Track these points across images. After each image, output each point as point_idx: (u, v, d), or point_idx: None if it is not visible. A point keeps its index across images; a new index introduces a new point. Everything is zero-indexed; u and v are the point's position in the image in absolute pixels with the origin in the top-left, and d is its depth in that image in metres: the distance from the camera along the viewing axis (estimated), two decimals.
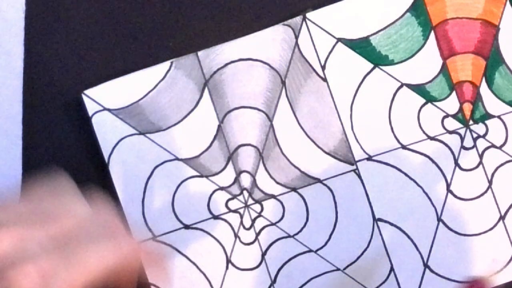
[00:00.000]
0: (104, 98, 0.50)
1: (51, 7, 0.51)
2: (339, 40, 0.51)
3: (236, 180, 0.51)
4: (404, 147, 0.51)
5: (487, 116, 0.51)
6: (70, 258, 0.36)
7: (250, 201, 0.51)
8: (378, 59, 0.51)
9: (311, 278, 0.51)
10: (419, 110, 0.51)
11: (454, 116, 0.51)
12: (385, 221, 0.51)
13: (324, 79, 0.51)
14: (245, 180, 0.51)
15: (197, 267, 0.50)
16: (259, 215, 0.51)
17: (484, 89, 0.51)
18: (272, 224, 0.51)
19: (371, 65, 0.51)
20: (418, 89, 0.51)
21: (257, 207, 0.51)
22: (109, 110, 0.50)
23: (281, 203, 0.51)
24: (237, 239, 0.51)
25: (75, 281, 0.36)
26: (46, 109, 0.49)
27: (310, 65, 0.51)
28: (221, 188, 0.51)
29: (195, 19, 0.51)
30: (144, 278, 0.50)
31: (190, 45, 0.51)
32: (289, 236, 0.51)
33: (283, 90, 0.51)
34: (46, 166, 0.50)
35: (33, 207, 0.38)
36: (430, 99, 0.51)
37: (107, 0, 0.51)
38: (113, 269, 0.37)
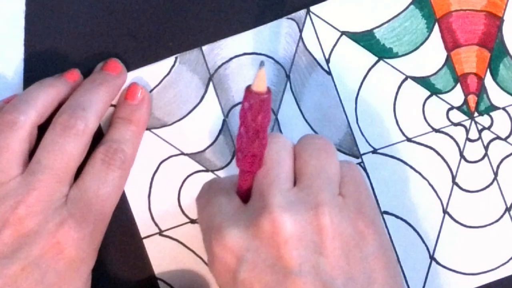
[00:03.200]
0: None
1: (51, 7, 0.51)
2: (343, 33, 0.51)
3: None
4: (409, 139, 0.51)
5: (492, 108, 0.51)
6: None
7: None
8: (382, 52, 0.51)
9: None
10: (424, 103, 0.51)
11: (459, 108, 0.51)
12: (391, 214, 0.51)
13: (329, 73, 0.51)
14: None
15: (204, 261, 0.51)
16: None
17: (488, 81, 0.51)
18: None
19: (376, 58, 0.51)
20: (423, 81, 0.51)
21: None
22: (114, 106, 0.50)
23: None
24: None
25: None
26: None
27: (315, 59, 0.51)
28: None
29: (200, 13, 0.51)
30: (152, 274, 0.50)
31: (195, 40, 0.51)
32: None
33: (288, 84, 0.51)
34: None
35: None
36: (434, 91, 0.51)
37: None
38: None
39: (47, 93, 0.48)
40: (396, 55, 0.51)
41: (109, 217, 0.48)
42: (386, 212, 0.51)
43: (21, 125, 0.46)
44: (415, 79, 0.51)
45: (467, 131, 0.51)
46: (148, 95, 0.50)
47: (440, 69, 0.51)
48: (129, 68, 0.51)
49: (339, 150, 0.51)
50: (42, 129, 0.48)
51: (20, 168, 0.46)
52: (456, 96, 0.51)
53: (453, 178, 0.51)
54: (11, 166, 0.46)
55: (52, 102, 0.48)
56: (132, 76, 0.51)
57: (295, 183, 0.43)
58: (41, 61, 0.51)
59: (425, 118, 0.51)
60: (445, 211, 0.51)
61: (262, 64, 0.40)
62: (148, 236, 0.51)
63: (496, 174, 0.51)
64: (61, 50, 0.51)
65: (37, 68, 0.51)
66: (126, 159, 0.48)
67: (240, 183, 0.44)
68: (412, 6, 0.51)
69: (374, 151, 0.51)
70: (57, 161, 0.46)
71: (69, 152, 0.46)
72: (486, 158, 0.51)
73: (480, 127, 0.51)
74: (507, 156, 0.51)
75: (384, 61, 0.51)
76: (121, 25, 0.51)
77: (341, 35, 0.51)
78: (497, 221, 0.51)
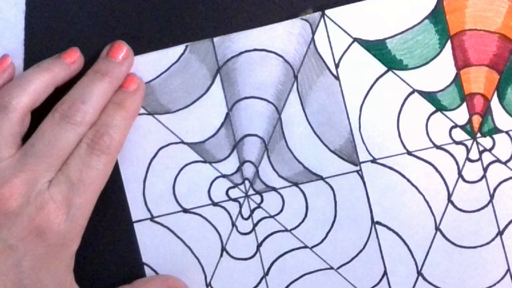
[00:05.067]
0: None
1: (51, 7, 0.51)
2: (356, 40, 0.51)
3: (239, 169, 0.51)
4: (409, 153, 0.51)
5: (495, 130, 0.51)
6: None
7: (251, 192, 0.51)
8: (392, 63, 0.51)
9: (304, 274, 0.51)
10: (428, 118, 0.51)
11: (462, 127, 0.51)
12: (383, 225, 0.51)
13: (337, 78, 0.51)
14: (248, 170, 0.51)
15: (192, 251, 0.51)
16: (259, 206, 0.51)
17: (495, 103, 0.51)
18: (271, 216, 0.51)
19: (385, 68, 0.51)
20: (429, 96, 0.51)
21: (257, 198, 0.51)
22: None
23: (282, 196, 0.51)
24: (234, 228, 0.51)
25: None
26: (47, 109, 0.49)
27: (324, 62, 0.51)
28: (223, 176, 0.51)
29: (214, 4, 0.51)
30: (138, 258, 0.50)
31: (207, 30, 0.51)
32: (286, 230, 0.51)
33: (295, 84, 0.51)
34: None
35: None
36: (440, 107, 0.51)
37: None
38: None
39: (42, 78, 0.48)
40: (405, 68, 0.51)
41: (93, 202, 0.48)
42: (379, 223, 0.51)
43: (12, 109, 0.47)
44: (422, 93, 0.51)
45: (468, 150, 0.51)
46: (144, 86, 0.50)
47: (448, 86, 0.51)
48: (138, 53, 0.51)
49: (338, 156, 0.51)
50: (41, 116, 0.48)
51: (10, 150, 0.46)
52: (461, 114, 0.51)
53: (449, 196, 0.51)
54: (0, 149, 0.46)
55: (46, 87, 0.48)
56: (140, 60, 0.51)
57: None
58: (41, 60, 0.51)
59: (427, 133, 0.51)
60: (437, 228, 0.51)
61: None
62: (139, 221, 0.51)
63: (492, 196, 0.51)
64: (61, 50, 0.51)
65: None
66: (112, 144, 0.48)
67: None
68: (427, 21, 0.51)
69: (373, 161, 0.51)
70: (50, 147, 0.46)
71: (63, 140, 0.47)
72: (484, 179, 0.51)
73: (481, 148, 0.51)
74: (505, 180, 0.51)
75: (393, 72, 0.51)
76: (122, 24, 0.51)
77: (353, 42, 0.51)
78: (487, 243, 0.51)
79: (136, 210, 0.51)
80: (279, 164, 0.51)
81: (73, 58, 0.49)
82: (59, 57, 0.49)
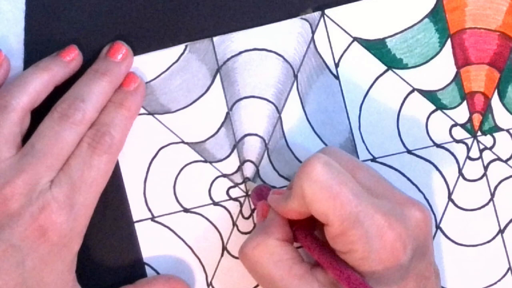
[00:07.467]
0: None
1: (51, 7, 0.51)
2: (355, 39, 0.51)
3: (240, 168, 0.51)
4: (409, 151, 0.51)
5: (496, 128, 0.51)
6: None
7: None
8: (392, 62, 0.51)
9: None
10: (428, 117, 0.51)
11: (463, 126, 0.51)
12: None
13: (337, 77, 0.51)
14: (248, 170, 0.51)
15: (193, 251, 0.51)
16: None
17: (495, 101, 0.51)
18: None
19: (385, 67, 0.51)
20: (429, 95, 0.51)
21: None
22: None
23: None
24: (235, 228, 0.51)
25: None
26: (47, 109, 0.49)
27: (324, 62, 0.51)
28: (224, 175, 0.51)
29: (214, 4, 0.51)
30: (139, 258, 0.51)
31: (206, 30, 0.51)
32: None
33: (295, 83, 0.51)
34: None
35: None
36: (440, 106, 0.51)
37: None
38: None
39: (41, 78, 0.48)
40: (405, 66, 0.51)
41: (95, 202, 0.48)
42: None
43: (12, 109, 0.47)
44: (422, 92, 0.51)
45: (469, 149, 0.51)
46: (144, 85, 0.50)
47: (448, 84, 0.51)
48: (138, 53, 0.51)
49: None
50: (40, 116, 0.48)
51: (11, 150, 0.46)
52: (461, 113, 0.51)
53: (450, 194, 0.51)
54: (1, 149, 0.46)
55: (46, 87, 0.48)
56: (140, 60, 0.51)
57: None
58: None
59: (427, 132, 0.51)
60: (437, 226, 0.51)
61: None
62: (140, 221, 0.51)
63: (493, 195, 0.51)
64: (61, 49, 0.51)
65: None
66: (114, 143, 0.48)
67: None
68: (426, 19, 0.51)
69: (373, 160, 0.51)
70: (50, 146, 0.46)
71: (64, 139, 0.47)
72: (484, 178, 0.51)
73: (482, 147, 0.51)
74: (506, 179, 0.51)
75: (393, 71, 0.51)
76: (122, 24, 0.51)
77: (352, 41, 0.51)
78: (488, 242, 0.51)
79: (137, 210, 0.51)
80: (279, 163, 0.51)
81: (72, 56, 0.50)
82: (58, 55, 0.49)
